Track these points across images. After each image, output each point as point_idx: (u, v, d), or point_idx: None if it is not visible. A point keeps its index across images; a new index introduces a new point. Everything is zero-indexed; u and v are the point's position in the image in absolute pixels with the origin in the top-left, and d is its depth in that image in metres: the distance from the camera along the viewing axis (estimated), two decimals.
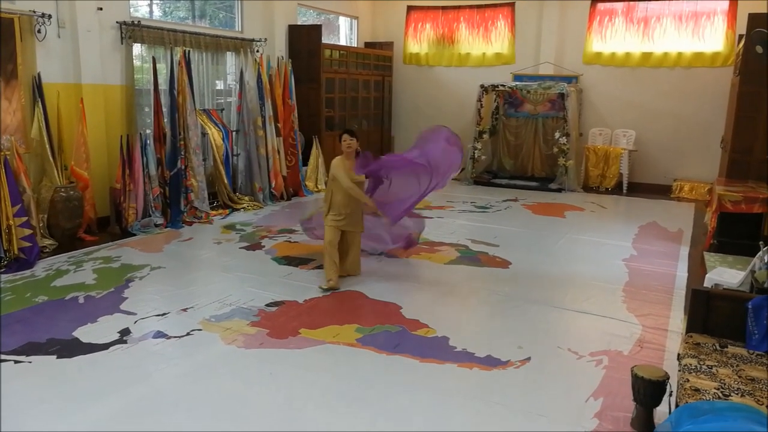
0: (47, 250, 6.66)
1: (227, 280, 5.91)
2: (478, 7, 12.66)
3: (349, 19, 13.49)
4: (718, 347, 3.39)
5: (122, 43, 7.87)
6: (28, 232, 6.23)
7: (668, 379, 3.32)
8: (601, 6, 11.58)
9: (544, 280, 6.13)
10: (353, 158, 5.80)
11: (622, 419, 3.51)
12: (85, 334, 4.57)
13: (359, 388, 3.86)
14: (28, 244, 6.21)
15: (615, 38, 11.56)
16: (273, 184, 9.73)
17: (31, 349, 4.31)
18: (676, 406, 2.96)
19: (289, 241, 7.34)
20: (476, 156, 11.98)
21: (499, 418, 3.54)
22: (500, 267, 6.53)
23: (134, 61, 8.06)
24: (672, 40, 11.12)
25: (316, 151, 10.77)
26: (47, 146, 6.86)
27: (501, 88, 11.86)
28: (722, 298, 3.61)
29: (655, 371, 3.38)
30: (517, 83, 11.88)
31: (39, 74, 6.86)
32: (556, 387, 3.92)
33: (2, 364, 4.07)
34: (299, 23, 11.50)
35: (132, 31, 7.88)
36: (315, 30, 11.01)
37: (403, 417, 3.56)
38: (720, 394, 2.88)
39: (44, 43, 6.98)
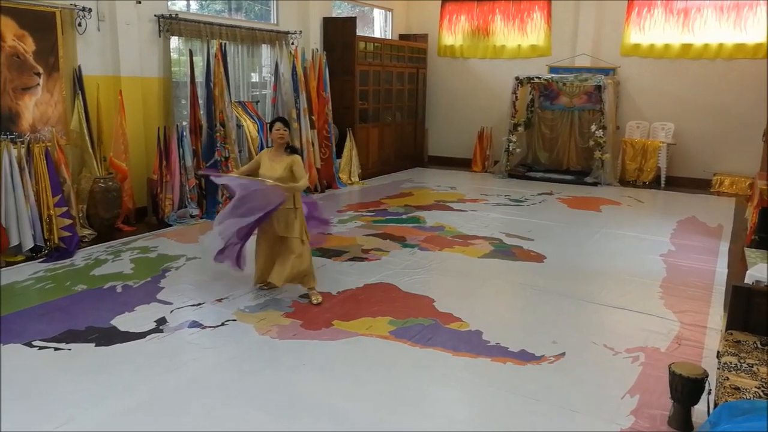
0: (86, 239, 6.80)
1: None
2: None
3: (383, 11, 13.46)
4: (759, 345, 3.32)
5: (160, 36, 7.97)
6: (68, 222, 6.37)
7: (707, 377, 3.25)
8: None
9: (579, 274, 6.06)
10: (282, 150, 5.14)
11: (658, 417, 3.45)
12: (122, 322, 4.66)
13: (392, 381, 3.86)
14: (68, 234, 6.35)
15: (654, 30, 11.31)
16: (307, 176, 9.76)
17: (71, 336, 4.40)
18: (715, 405, 2.90)
19: (322, 234, 7.35)
20: (511, 149, 11.87)
21: (533, 413, 3.52)
22: (535, 261, 6.46)
23: (171, 54, 8.16)
24: (713, 31, 10.85)
25: (349, 144, 10.78)
26: (87, 138, 6.98)
27: (536, 80, 11.74)
28: (764, 295, 3.52)
29: (694, 369, 3.32)
30: (553, 75, 11.73)
31: (79, 67, 6.99)
32: (591, 383, 3.88)
33: (43, 350, 4.18)
34: (334, 15, 11.51)
35: (169, 24, 7.97)
36: (350, 22, 11.01)
37: (435, 410, 3.56)
38: (761, 393, 2.82)
39: (84, 36, 7.10)
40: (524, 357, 4.20)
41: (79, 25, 7.00)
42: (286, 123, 5.22)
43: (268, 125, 5.84)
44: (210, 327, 4.62)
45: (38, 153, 6.26)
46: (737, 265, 6.37)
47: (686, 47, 11.10)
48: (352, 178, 10.80)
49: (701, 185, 10.99)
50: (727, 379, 2.97)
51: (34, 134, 6.59)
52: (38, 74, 6.65)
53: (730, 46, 10.73)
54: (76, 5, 6.93)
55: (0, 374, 3.82)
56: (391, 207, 8.96)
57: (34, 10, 6.55)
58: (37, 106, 6.68)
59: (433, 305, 5.13)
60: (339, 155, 10.73)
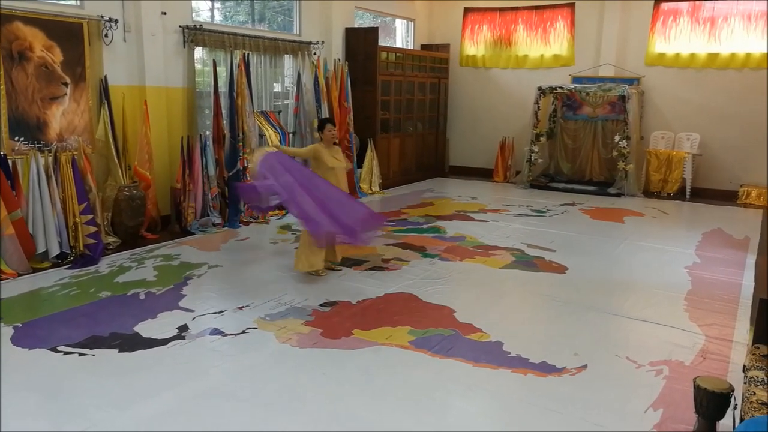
0: (111, 247, 6.87)
1: (282, 280, 5.97)
2: (537, 8, 12.49)
3: (405, 21, 13.50)
4: None
5: (184, 47, 8.06)
6: (93, 229, 6.45)
7: (733, 391, 3.19)
8: (665, 6, 11.27)
9: (602, 286, 6.00)
10: (332, 146, 6.24)
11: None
12: (145, 329, 4.70)
13: (411, 391, 3.84)
14: (93, 241, 6.43)
15: (679, 39, 11.22)
16: None
17: (95, 342, 4.45)
18: (741, 420, 2.85)
19: (343, 242, 7.36)
20: (533, 159, 11.82)
21: (553, 426, 3.48)
22: (556, 272, 6.41)
23: (195, 65, 8.24)
24: (740, 40, 10.72)
25: (370, 154, 10.81)
26: (112, 147, 7.07)
27: (559, 90, 11.68)
28: None
29: (719, 383, 3.26)
30: (576, 85, 11.67)
31: (105, 77, 7.09)
32: (614, 396, 3.83)
33: (68, 356, 4.22)
34: (356, 26, 11.57)
35: (194, 35, 8.07)
36: (372, 33, 11.05)
37: (455, 421, 3.53)
38: None
39: (111, 47, 7.20)
40: (545, 369, 4.16)
41: (106, 36, 7.11)
42: (334, 123, 6.47)
43: (317, 125, 6.45)
44: (231, 335, 4.64)
45: (65, 161, 6.36)
46: (764, 278, 6.25)
47: (713, 57, 10.98)
48: (373, 188, 10.82)
49: (727, 197, 10.83)
50: (754, 393, 2.91)
51: (61, 143, 6.70)
52: (65, 84, 6.76)
53: (757, 56, 10.58)
54: (102, 16, 7.04)
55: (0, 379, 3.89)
56: (411, 217, 8.96)
57: (62, 22, 6.67)
58: (64, 116, 6.79)
59: (454, 315, 5.10)
60: (360, 165, 10.75)
